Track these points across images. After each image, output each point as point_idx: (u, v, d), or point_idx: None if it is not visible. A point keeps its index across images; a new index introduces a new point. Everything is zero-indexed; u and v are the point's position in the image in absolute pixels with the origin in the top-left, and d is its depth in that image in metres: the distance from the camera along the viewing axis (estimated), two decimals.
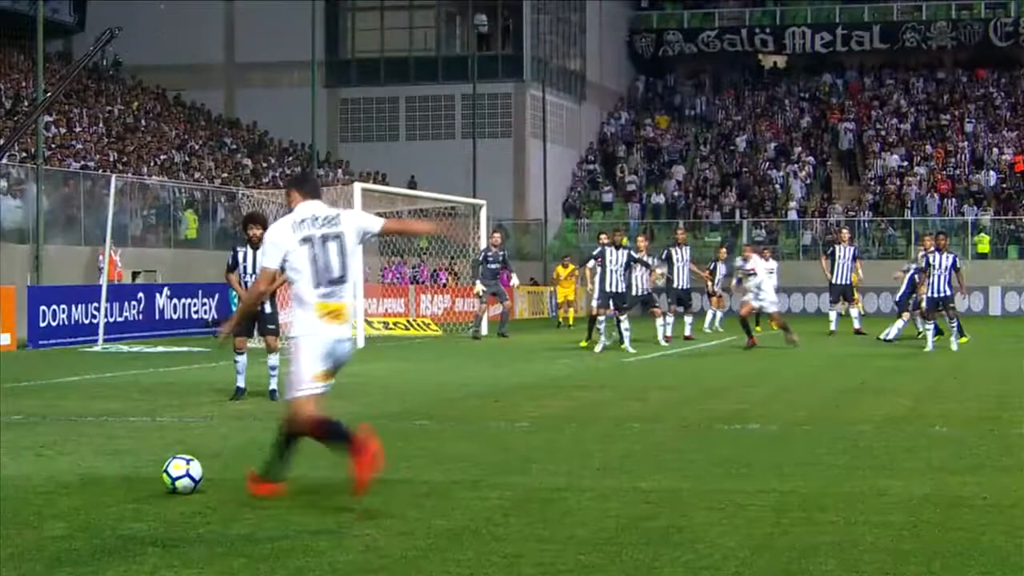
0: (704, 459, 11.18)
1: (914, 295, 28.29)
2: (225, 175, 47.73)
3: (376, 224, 9.32)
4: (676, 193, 65.01)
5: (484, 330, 32.73)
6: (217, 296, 34.01)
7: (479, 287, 32.24)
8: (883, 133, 66.51)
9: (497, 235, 33.54)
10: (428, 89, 61.91)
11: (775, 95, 72.11)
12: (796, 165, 65.40)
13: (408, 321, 37.12)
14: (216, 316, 33.85)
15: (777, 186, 64.24)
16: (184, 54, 60.51)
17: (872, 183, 63.25)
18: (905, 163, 63.88)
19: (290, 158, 56.38)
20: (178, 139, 50.40)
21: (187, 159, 48.04)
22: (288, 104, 57.03)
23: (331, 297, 8.96)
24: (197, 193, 41.87)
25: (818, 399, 16.61)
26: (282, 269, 9.17)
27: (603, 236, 27.70)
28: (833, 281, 33.20)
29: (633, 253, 26.38)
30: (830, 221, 59.21)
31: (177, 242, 39.86)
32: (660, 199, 64.61)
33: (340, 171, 56.55)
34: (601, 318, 26.34)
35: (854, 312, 33.55)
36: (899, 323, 29.13)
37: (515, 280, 32.57)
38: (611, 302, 26.07)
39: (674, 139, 69.43)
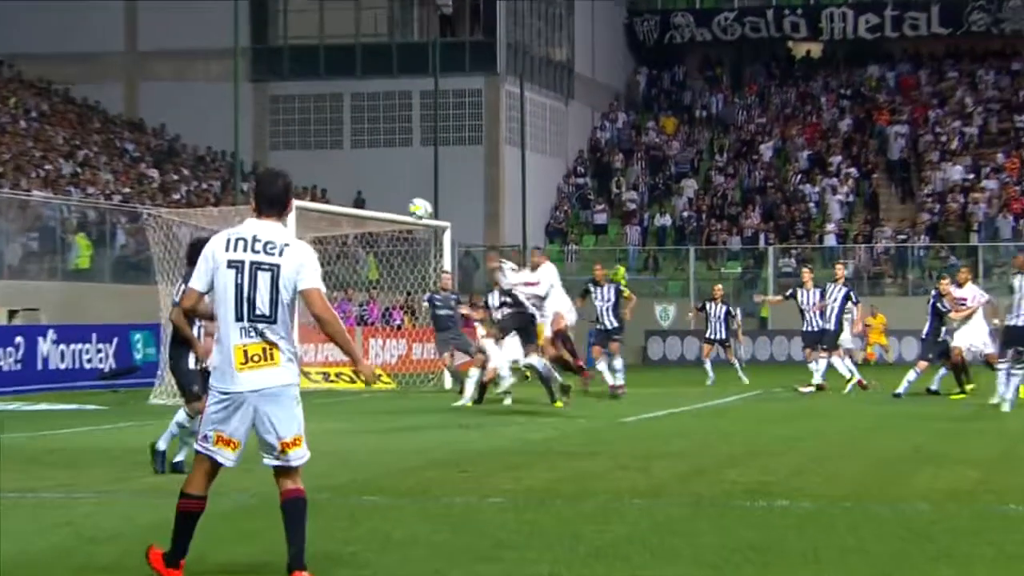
0: (720, 543, 11.20)
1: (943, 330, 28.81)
2: (127, 190, 47.68)
3: (309, 281, 9.31)
4: (686, 213, 65.15)
5: (470, 389, 30.74)
6: (116, 341, 33.91)
7: (437, 347, 32.61)
8: (943, 139, 66.77)
9: (447, 276, 33.28)
10: (379, 84, 62.00)
11: (809, 92, 72.46)
12: (835, 179, 65.63)
13: (354, 372, 37.07)
14: (114, 366, 33.72)
15: (811, 205, 64.44)
16: (75, 40, 60.46)
17: (929, 201, 63.45)
18: (971, 176, 64.08)
19: (207, 169, 56.39)
20: (67, 145, 50.36)
21: (78, 170, 47.99)
22: (205, 102, 57.05)
23: (254, 336, 9.20)
24: (91, 212, 41.78)
25: (862, 469, 16.64)
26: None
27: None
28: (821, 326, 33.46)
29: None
30: (876, 248, 59.36)
31: (66, 273, 39.74)
32: (666, 220, 64.76)
33: None
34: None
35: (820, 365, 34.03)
36: (911, 374, 29.32)
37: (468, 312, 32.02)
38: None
39: (683, 146, 69.70)
